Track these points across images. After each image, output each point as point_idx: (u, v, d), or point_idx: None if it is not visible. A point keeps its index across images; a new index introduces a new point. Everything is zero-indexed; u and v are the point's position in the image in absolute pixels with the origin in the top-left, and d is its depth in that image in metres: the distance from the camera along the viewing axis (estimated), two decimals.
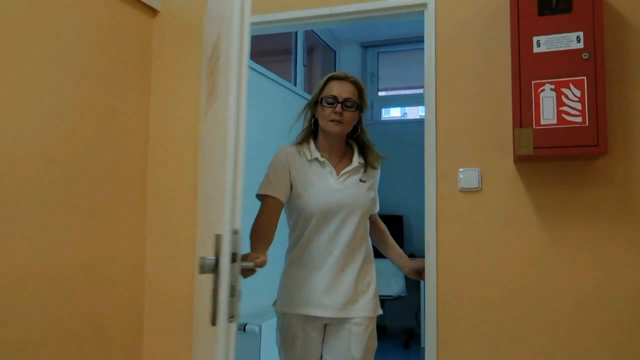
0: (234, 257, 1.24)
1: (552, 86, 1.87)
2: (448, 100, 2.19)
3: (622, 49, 2.00)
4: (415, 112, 5.62)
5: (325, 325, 1.84)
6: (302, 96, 4.09)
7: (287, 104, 3.74)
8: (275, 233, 1.84)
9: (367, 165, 1.91)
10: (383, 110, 5.69)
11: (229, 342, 1.25)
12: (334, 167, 1.87)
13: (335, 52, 5.53)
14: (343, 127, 1.85)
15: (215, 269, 1.25)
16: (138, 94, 2.52)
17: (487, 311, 2.08)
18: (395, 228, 4.92)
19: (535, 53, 1.90)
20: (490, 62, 2.15)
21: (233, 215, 1.25)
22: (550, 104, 1.87)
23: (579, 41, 1.86)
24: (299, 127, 1.95)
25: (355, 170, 1.88)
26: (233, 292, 1.23)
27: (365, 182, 1.88)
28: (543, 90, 1.88)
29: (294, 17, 2.42)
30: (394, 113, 5.76)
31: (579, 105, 1.84)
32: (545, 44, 1.89)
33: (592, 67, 1.84)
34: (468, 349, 2.09)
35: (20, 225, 1.89)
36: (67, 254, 2.09)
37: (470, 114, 2.16)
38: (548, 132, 1.86)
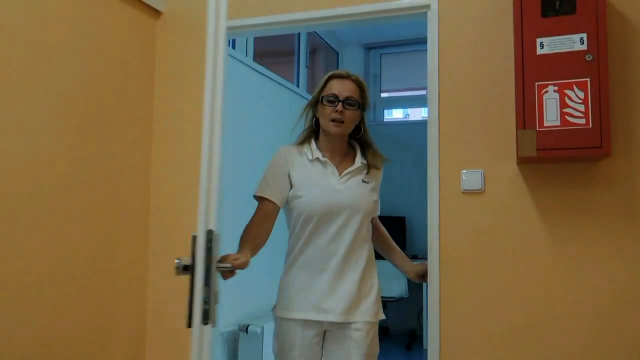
0: (208, 258, 1.22)
1: (556, 88, 1.87)
2: (451, 101, 2.19)
3: (626, 51, 2.00)
4: (417, 114, 5.62)
5: (325, 332, 1.79)
6: (305, 97, 4.09)
7: (290, 105, 3.75)
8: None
9: (370, 166, 1.87)
10: (385, 111, 5.69)
11: (202, 345, 1.22)
12: (336, 167, 1.83)
13: (337, 53, 5.53)
14: (344, 128, 1.81)
15: (190, 270, 1.24)
16: (141, 95, 2.52)
17: (490, 313, 2.07)
18: (398, 229, 4.92)
19: (539, 55, 1.90)
20: (494, 64, 2.14)
21: (207, 216, 1.24)
22: (554, 106, 1.86)
23: (582, 43, 1.85)
24: (301, 128, 1.93)
25: (357, 171, 1.84)
26: (209, 293, 1.21)
27: (367, 183, 1.85)
28: (546, 91, 1.87)
29: (296, 19, 2.41)
30: (396, 114, 5.76)
31: (582, 107, 1.83)
32: (548, 45, 1.89)
33: (595, 68, 1.83)
34: (471, 350, 2.08)
35: (20, 228, 1.90)
36: (68, 258, 2.09)
37: (473, 116, 2.16)
38: (551, 133, 1.86)
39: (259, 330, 3.00)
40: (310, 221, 1.77)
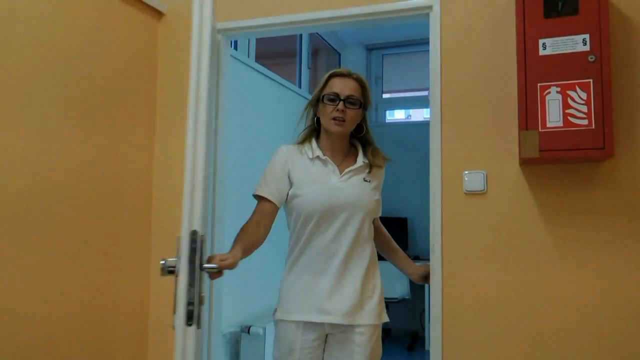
0: (192, 259, 1.21)
1: (558, 89, 1.86)
2: (453, 102, 2.19)
3: (629, 52, 1.99)
4: (419, 115, 5.62)
5: (327, 335, 1.76)
6: (307, 98, 4.05)
7: (292, 106, 3.75)
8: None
9: (372, 165, 1.85)
10: (387, 112, 5.69)
11: (186, 346, 1.20)
12: (337, 166, 1.81)
13: (339, 54, 5.53)
14: (345, 127, 1.79)
15: (175, 271, 1.23)
16: (143, 95, 2.52)
17: (493, 314, 2.07)
18: (400, 230, 4.92)
19: (541, 55, 1.89)
20: (496, 65, 2.14)
21: (191, 216, 1.23)
22: (556, 107, 1.86)
23: (585, 44, 1.85)
24: (303, 128, 1.92)
25: (359, 170, 1.82)
26: (193, 294, 1.20)
27: (369, 182, 1.82)
28: (549, 92, 1.87)
29: (298, 20, 2.41)
30: (398, 115, 5.76)
31: (585, 108, 1.83)
32: (551, 46, 1.89)
33: (598, 69, 1.83)
34: (473, 351, 2.08)
35: (21, 228, 1.90)
36: (70, 257, 2.09)
37: (476, 117, 2.15)
38: (554, 134, 1.85)
39: (261, 331, 3.00)
40: (311, 220, 1.74)
